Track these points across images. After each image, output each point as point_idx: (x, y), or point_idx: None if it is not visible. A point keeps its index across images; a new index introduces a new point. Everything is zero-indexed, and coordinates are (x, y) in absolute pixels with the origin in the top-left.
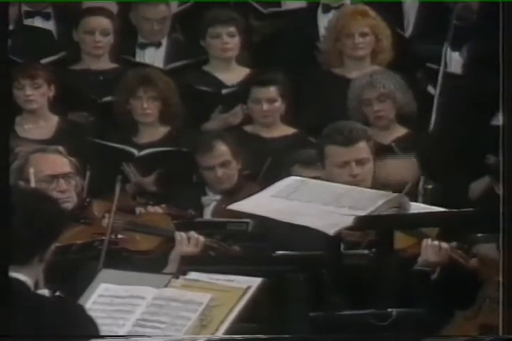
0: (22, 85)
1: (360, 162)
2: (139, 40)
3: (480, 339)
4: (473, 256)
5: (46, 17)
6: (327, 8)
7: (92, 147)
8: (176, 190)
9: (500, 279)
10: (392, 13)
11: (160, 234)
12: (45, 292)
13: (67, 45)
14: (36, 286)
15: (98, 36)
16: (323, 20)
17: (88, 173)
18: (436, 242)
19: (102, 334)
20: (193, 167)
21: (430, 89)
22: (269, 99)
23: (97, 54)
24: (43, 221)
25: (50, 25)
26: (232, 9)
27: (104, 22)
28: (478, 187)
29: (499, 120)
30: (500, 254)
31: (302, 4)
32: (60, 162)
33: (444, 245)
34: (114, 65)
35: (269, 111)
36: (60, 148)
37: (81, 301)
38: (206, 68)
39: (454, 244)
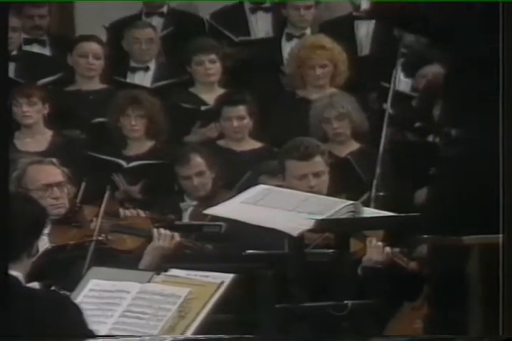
0: (20, 103)
1: (316, 174)
2: (130, 64)
3: (480, 339)
4: (413, 259)
5: (43, 44)
6: (290, 37)
7: (85, 159)
8: (159, 197)
9: (501, 279)
10: (347, 38)
11: (142, 235)
12: (35, 285)
13: (62, 68)
14: (27, 280)
15: (91, 59)
16: (287, 48)
17: (80, 182)
18: (379, 244)
19: (91, 323)
20: (173, 177)
21: (385, 106)
22: (239, 117)
23: (90, 75)
24: (27, 220)
25: (46, 51)
26: (210, 38)
27: (95, 47)
28: (422, 194)
29: (432, 138)
30: (500, 254)
31: (268, 33)
32: (53, 172)
33: (387, 248)
34: (103, 86)
35: (239, 127)
36: (54, 159)
37: (73, 295)
38: (192, 90)
39: (396, 249)
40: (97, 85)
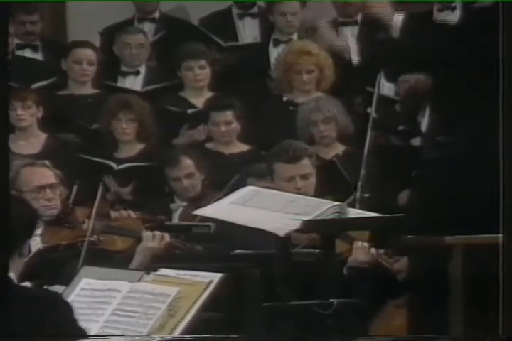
0: (14, 106)
1: (303, 177)
2: (121, 68)
3: (480, 339)
4: (396, 260)
5: (35, 49)
6: (277, 42)
7: (78, 161)
8: (149, 199)
9: (501, 279)
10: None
11: (133, 236)
12: (27, 284)
13: (55, 73)
14: (20, 279)
15: (85, 65)
16: (274, 53)
17: (73, 184)
18: (365, 244)
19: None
20: (163, 178)
21: (369, 110)
22: (226, 121)
23: (83, 81)
24: (19, 221)
25: (38, 56)
26: (200, 43)
27: (90, 53)
28: (405, 196)
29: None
30: (500, 254)
31: (256, 39)
32: (46, 174)
33: (372, 249)
34: (95, 91)
35: (226, 132)
36: (47, 162)
37: (65, 294)
38: (182, 94)
39: (381, 250)
40: (89, 90)
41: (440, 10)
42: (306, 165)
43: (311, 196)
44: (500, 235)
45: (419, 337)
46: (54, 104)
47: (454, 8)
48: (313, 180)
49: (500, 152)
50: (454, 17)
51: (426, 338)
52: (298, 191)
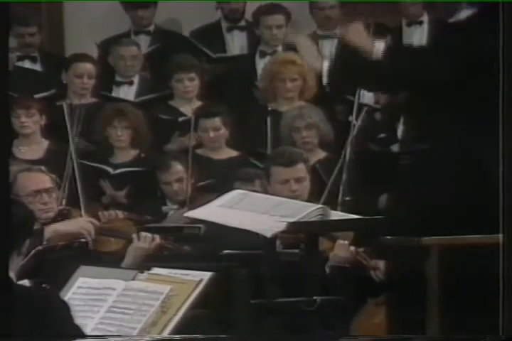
0: (18, 114)
1: (298, 180)
2: (115, 78)
3: (480, 339)
4: (374, 258)
5: (34, 60)
6: (263, 54)
7: (76, 166)
8: (143, 202)
9: (501, 279)
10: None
11: (126, 237)
12: (25, 282)
13: (54, 83)
14: (18, 278)
15: (86, 79)
16: (260, 64)
17: (67, 186)
18: (345, 242)
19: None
20: (155, 182)
21: (350, 118)
22: (214, 127)
23: (83, 93)
24: (16, 222)
25: (37, 67)
26: (190, 55)
27: (90, 67)
28: (384, 199)
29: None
30: (500, 254)
31: (243, 51)
32: (42, 179)
33: (352, 247)
34: (94, 100)
35: (215, 137)
36: (43, 167)
37: (62, 292)
38: (172, 103)
39: (360, 249)
40: (88, 100)
41: (408, 25)
42: (301, 169)
43: (306, 199)
44: (501, 235)
45: (418, 336)
46: (57, 112)
47: (421, 23)
48: (307, 183)
49: (500, 152)
50: (422, 31)
51: (408, 338)
52: (293, 193)
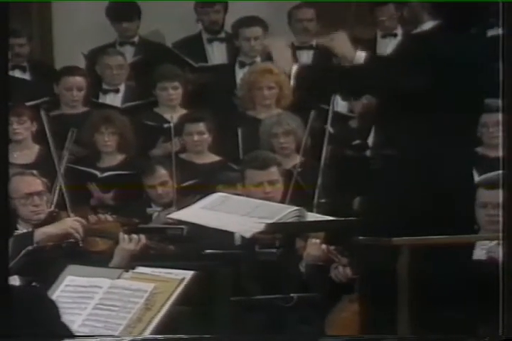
0: (11, 121)
1: (271, 182)
2: (102, 86)
3: (480, 339)
4: (345, 256)
5: (23, 69)
6: (243, 64)
7: (65, 170)
8: (129, 204)
9: (500, 279)
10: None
11: (112, 238)
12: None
13: (46, 93)
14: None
15: (75, 92)
16: (240, 74)
17: (57, 189)
18: (317, 241)
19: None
20: (141, 186)
21: (325, 125)
22: (199, 132)
23: (73, 105)
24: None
25: (26, 76)
26: (174, 64)
27: (79, 80)
28: (357, 202)
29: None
30: (500, 254)
31: (224, 61)
32: (34, 183)
33: (323, 246)
34: (85, 109)
35: (199, 141)
36: (35, 171)
37: (51, 290)
38: (157, 110)
39: (331, 248)
40: (79, 109)
41: (383, 36)
42: (274, 172)
43: (278, 200)
44: (500, 234)
45: (414, 337)
46: (47, 120)
47: (395, 35)
48: (280, 185)
49: (500, 151)
50: (395, 43)
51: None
52: (266, 195)
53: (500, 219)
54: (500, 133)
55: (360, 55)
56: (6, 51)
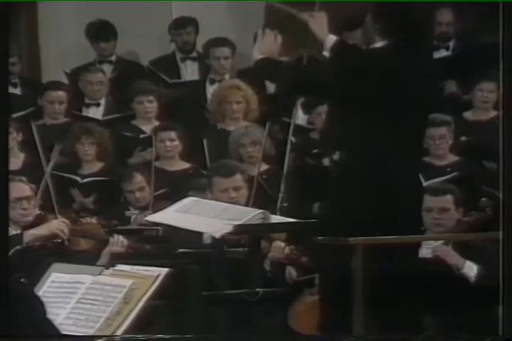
0: None
1: (236, 188)
2: (85, 100)
3: (480, 339)
4: (305, 255)
5: (14, 85)
6: (213, 81)
7: (49, 176)
8: (109, 207)
9: (500, 278)
10: (257, 82)
11: (94, 238)
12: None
13: (31, 106)
14: None
15: (57, 105)
16: (210, 89)
17: (45, 195)
18: (281, 244)
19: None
20: (119, 191)
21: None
22: (170, 138)
23: (55, 117)
24: None
25: (17, 91)
26: (149, 80)
27: (61, 94)
28: (317, 205)
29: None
30: (500, 254)
31: (196, 77)
32: (23, 188)
33: (286, 247)
34: (66, 120)
35: (170, 147)
36: (23, 177)
37: (38, 286)
38: (134, 122)
39: (292, 247)
40: (60, 120)
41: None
42: (238, 180)
43: (243, 205)
44: (500, 233)
45: (416, 336)
46: (31, 131)
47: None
48: (244, 191)
49: (501, 151)
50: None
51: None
52: (231, 200)
53: (501, 219)
54: (501, 133)
55: (332, 39)
56: (7, 69)
